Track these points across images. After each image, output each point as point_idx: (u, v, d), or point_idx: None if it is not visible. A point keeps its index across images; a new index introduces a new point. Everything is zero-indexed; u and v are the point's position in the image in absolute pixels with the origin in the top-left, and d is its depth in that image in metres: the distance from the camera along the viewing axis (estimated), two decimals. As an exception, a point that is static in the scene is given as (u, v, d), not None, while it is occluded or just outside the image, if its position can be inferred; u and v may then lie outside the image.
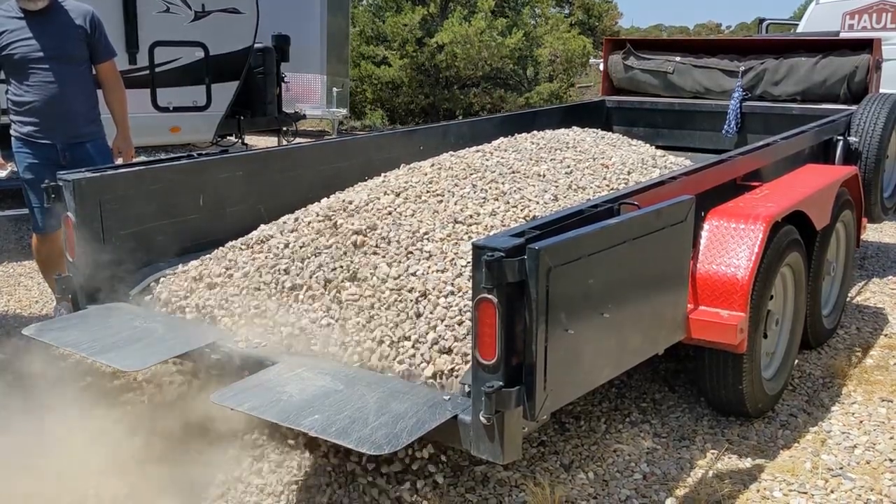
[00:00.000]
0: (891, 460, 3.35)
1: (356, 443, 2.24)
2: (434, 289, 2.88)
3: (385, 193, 3.56)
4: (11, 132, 4.32)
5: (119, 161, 4.43)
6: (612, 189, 3.92)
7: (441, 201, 3.53)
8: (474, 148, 4.42)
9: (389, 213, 3.37)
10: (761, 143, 4.21)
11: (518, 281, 2.24)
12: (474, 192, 3.62)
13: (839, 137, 5.05)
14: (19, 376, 3.42)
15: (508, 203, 3.55)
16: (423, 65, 15.33)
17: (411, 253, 3.11)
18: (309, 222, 3.41)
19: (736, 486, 3.15)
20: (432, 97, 15.58)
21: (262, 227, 3.55)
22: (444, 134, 5.11)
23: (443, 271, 2.97)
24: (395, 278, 2.98)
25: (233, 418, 2.90)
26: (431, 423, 2.34)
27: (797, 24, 10.66)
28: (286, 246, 3.31)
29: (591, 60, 18.52)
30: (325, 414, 2.38)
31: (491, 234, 3.18)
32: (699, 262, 3.27)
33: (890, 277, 5.92)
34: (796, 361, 4.05)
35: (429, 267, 3.00)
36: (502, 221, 3.39)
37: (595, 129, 5.25)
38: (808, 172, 4.36)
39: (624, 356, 2.74)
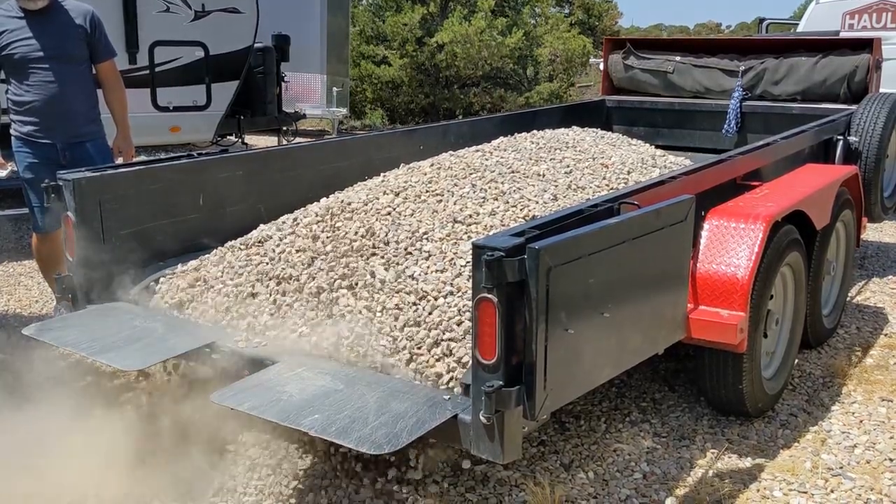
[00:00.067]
0: (891, 460, 3.35)
1: (356, 442, 2.24)
2: (433, 289, 2.88)
3: (384, 193, 3.56)
4: (11, 132, 4.32)
5: (119, 161, 4.43)
6: (611, 189, 3.92)
7: (440, 201, 3.52)
8: (474, 147, 4.42)
9: (388, 214, 3.37)
10: (761, 142, 4.21)
11: (518, 280, 2.24)
12: (474, 192, 3.62)
13: (839, 137, 5.05)
14: (19, 376, 3.42)
15: (508, 203, 3.55)
16: (423, 64, 15.33)
17: (410, 253, 3.11)
18: (308, 223, 3.41)
19: (736, 486, 3.15)
20: (432, 97, 15.58)
21: (262, 226, 3.55)
22: (444, 133, 5.11)
23: (442, 271, 2.97)
24: (393, 279, 2.98)
25: (233, 418, 2.90)
26: (431, 423, 2.34)
27: (797, 24, 10.66)
28: (285, 247, 3.31)
29: (591, 60, 18.52)
30: (325, 413, 2.38)
31: (490, 233, 3.18)
32: (699, 261, 3.27)
33: (890, 277, 5.92)
34: (796, 361, 4.05)
35: (428, 267, 3.00)
36: (502, 221, 3.39)
37: (595, 129, 5.25)
38: (808, 172, 4.36)
39: (624, 356, 2.74)
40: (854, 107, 5.38)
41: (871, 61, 5.72)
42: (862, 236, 4.92)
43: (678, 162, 4.74)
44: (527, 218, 3.43)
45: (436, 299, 2.84)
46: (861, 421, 3.68)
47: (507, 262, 2.21)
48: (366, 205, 3.46)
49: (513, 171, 3.95)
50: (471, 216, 3.39)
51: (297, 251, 3.25)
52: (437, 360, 2.65)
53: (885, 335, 4.74)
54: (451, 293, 2.86)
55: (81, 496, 2.80)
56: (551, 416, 3.08)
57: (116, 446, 2.97)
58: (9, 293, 5.59)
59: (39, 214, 4.31)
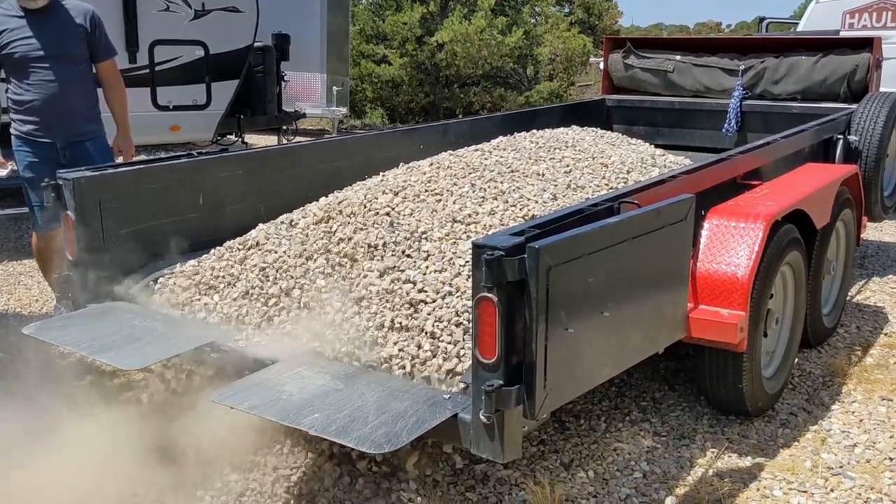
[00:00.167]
0: (891, 459, 3.35)
1: (356, 442, 2.24)
2: (432, 289, 2.88)
3: (383, 193, 3.56)
4: (11, 131, 4.32)
5: (119, 160, 4.43)
6: (611, 188, 3.92)
7: (440, 200, 3.52)
8: (473, 147, 4.42)
9: (388, 213, 3.36)
10: (761, 141, 4.21)
11: (518, 280, 2.24)
12: (473, 192, 3.62)
13: (839, 136, 5.04)
14: (19, 375, 3.42)
15: (507, 202, 3.55)
16: (423, 63, 15.33)
17: (409, 255, 3.10)
18: (306, 223, 3.41)
19: (736, 485, 3.15)
20: (432, 96, 15.58)
21: (261, 226, 3.55)
22: (444, 133, 5.11)
23: (441, 271, 2.97)
24: (392, 278, 2.98)
25: (233, 417, 2.90)
26: (431, 422, 2.34)
27: (797, 23, 10.67)
28: (284, 247, 3.31)
29: (592, 59, 18.51)
30: (325, 413, 2.38)
31: (490, 233, 3.18)
32: (699, 260, 3.27)
33: (890, 276, 5.92)
34: (796, 360, 4.05)
35: (427, 267, 3.00)
36: (501, 220, 3.39)
37: (594, 128, 5.25)
38: (809, 171, 4.36)
39: (624, 355, 2.74)
40: (854, 106, 5.38)
41: (871, 60, 5.72)
42: (862, 235, 4.91)
43: (678, 161, 4.74)
44: (526, 217, 3.43)
45: (434, 299, 2.84)
46: (861, 420, 3.68)
47: (507, 262, 2.21)
48: (365, 204, 3.46)
49: (512, 171, 3.95)
50: (470, 216, 3.39)
51: (296, 251, 3.25)
52: (437, 360, 2.65)
53: (885, 334, 4.74)
54: (450, 293, 2.86)
55: (81, 496, 2.79)
56: (551, 415, 3.09)
57: (116, 446, 2.96)
58: (9, 292, 5.59)
59: (39, 213, 4.31)
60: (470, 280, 2.77)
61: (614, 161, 4.31)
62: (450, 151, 4.31)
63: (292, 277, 3.13)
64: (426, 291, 2.87)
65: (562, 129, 4.97)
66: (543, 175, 3.96)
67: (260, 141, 10.27)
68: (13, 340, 3.90)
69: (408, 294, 2.88)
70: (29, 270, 5.99)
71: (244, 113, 8.71)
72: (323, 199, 3.63)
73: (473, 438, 2.34)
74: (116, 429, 3.07)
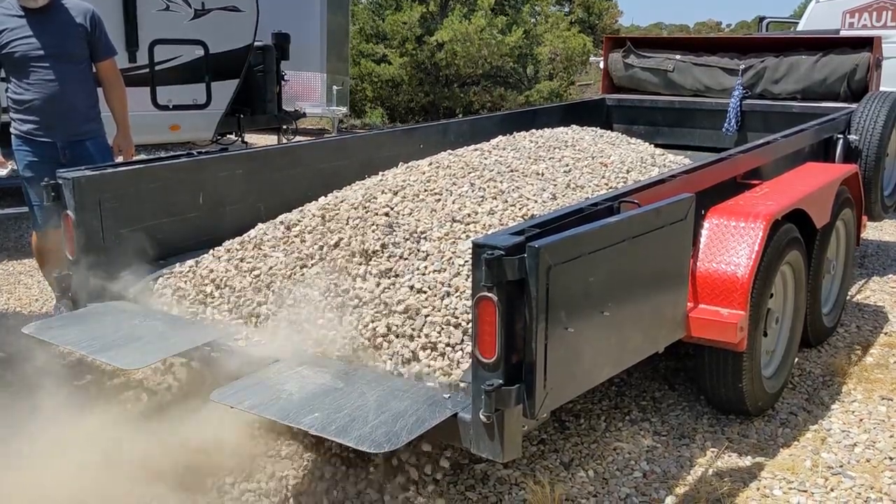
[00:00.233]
0: (891, 458, 3.35)
1: (356, 441, 2.24)
2: (431, 289, 2.88)
3: (382, 192, 3.56)
4: (11, 130, 4.32)
5: (119, 159, 4.43)
6: (610, 188, 3.91)
7: (439, 200, 3.52)
8: (472, 146, 4.42)
9: (387, 214, 3.36)
10: (761, 141, 4.20)
11: (518, 279, 2.24)
12: (472, 191, 3.61)
13: (839, 136, 5.04)
14: (19, 375, 3.42)
15: (507, 202, 3.55)
16: (423, 63, 15.33)
17: (408, 254, 3.10)
18: (306, 223, 3.40)
19: (736, 485, 3.15)
20: (432, 95, 15.58)
21: (260, 225, 3.55)
22: (444, 132, 5.11)
23: (440, 271, 2.97)
24: (391, 278, 2.98)
25: (233, 417, 2.90)
26: (431, 422, 2.34)
27: (797, 23, 10.67)
28: (283, 246, 3.31)
29: (592, 58, 18.52)
30: (325, 412, 2.38)
31: (489, 232, 3.18)
32: (699, 260, 3.27)
33: (890, 276, 5.92)
34: (796, 360, 4.05)
35: (426, 267, 3.00)
36: (500, 220, 3.38)
37: (594, 128, 5.25)
38: (809, 171, 4.36)
39: (624, 354, 2.74)
40: (854, 105, 5.38)
41: (871, 60, 5.72)
42: (862, 235, 4.91)
43: (677, 161, 4.74)
44: (525, 217, 3.43)
45: (434, 299, 2.84)
46: (861, 419, 3.68)
47: (507, 261, 2.21)
48: (364, 204, 3.45)
49: (511, 170, 3.95)
50: (469, 215, 3.39)
51: (295, 251, 3.25)
52: (437, 360, 2.65)
53: (885, 334, 4.74)
54: (449, 293, 2.86)
55: (81, 496, 2.79)
56: (551, 415, 3.08)
57: (116, 445, 2.96)
58: (9, 292, 5.59)
59: (39, 213, 4.31)
60: (469, 280, 2.78)
61: (614, 160, 4.31)
62: (449, 151, 4.31)
63: (291, 278, 3.12)
64: (425, 291, 2.87)
65: (561, 129, 4.97)
66: (543, 174, 3.96)
67: (260, 140, 10.27)
68: (13, 340, 3.89)
69: (407, 294, 2.88)
70: (29, 270, 5.99)
71: (244, 112, 8.72)
72: (322, 199, 3.63)
73: (473, 438, 2.34)
74: (116, 429, 3.07)
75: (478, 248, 2.25)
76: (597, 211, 2.70)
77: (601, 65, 7.23)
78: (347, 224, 3.30)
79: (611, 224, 2.58)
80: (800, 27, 10.05)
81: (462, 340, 2.67)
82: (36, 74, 4.17)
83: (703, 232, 3.33)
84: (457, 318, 2.75)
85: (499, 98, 15.70)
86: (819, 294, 4.28)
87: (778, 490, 3.13)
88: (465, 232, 3.25)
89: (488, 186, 3.69)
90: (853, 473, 3.24)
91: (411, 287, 2.90)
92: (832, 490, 3.13)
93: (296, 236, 3.34)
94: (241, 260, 3.32)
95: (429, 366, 2.64)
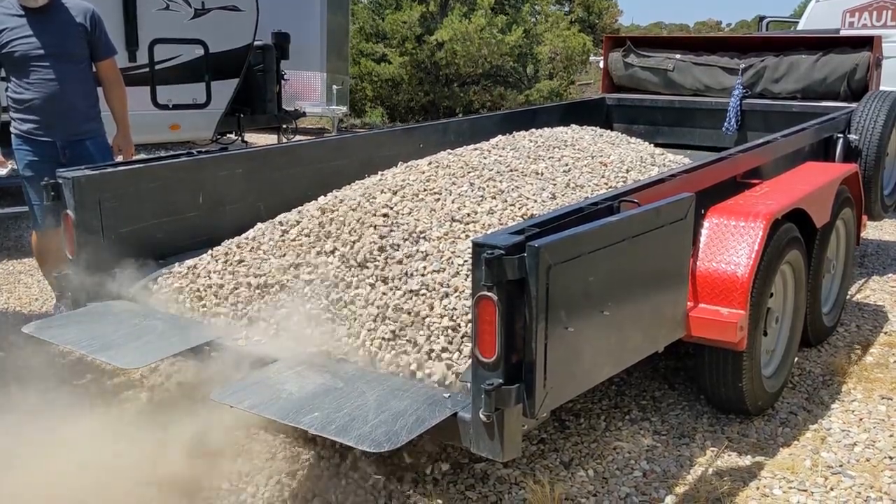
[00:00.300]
0: (890, 458, 3.35)
1: (356, 440, 2.24)
2: (430, 289, 2.88)
3: (381, 192, 3.55)
4: (11, 129, 4.32)
5: (119, 159, 4.43)
6: (610, 187, 3.91)
7: (438, 199, 3.52)
8: (472, 146, 4.42)
9: (385, 214, 3.36)
10: (761, 140, 4.20)
11: (518, 279, 2.24)
12: (472, 191, 3.61)
13: (839, 135, 5.04)
14: (19, 374, 3.42)
15: (506, 201, 3.55)
16: (423, 62, 15.33)
17: (407, 253, 3.10)
18: (305, 223, 3.40)
19: (736, 484, 3.15)
20: (432, 95, 15.58)
21: (259, 225, 3.54)
22: (444, 132, 5.11)
23: (440, 271, 2.97)
24: (391, 276, 2.98)
25: (232, 416, 2.90)
26: (431, 421, 2.34)
27: (797, 22, 10.67)
28: (282, 246, 3.31)
29: (592, 58, 18.52)
30: (325, 411, 2.38)
31: (488, 232, 3.18)
32: (699, 259, 3.27)
33: (890, 275, 5.92)
34: (796, 359, 4.05)
35: (425, 266, 2.99)
36: (500, 220, 3.38)
37: (594, 127, 5.25)
38: (808, 170, 4.36)
39: (624, 354, 2.74)
40: (854, 105, 5.38)
41: (871, 59, 5.72)
42: (862, 234, 4.91)
43: (676, 160, 4.74)
44: (525, 216, 3.43)
45: (433, 298, 2.84)
46: (861, 419, 3.68)
47: (507, 260, 2.21)
48: (363, 203, 3.45)
49: (511, 170, 3.95)
50: (469, 215, 3.39)
51: (294, 251, 3.25)
52: (437, 359, 2.64)
53: (885, 333, 4.74)
54: (447, 294, 2.86)
55: (81, 496, 2.79)
56: (551, 414, 3.08)
57: (116, 445, 2.96)
58: (9, 291, 5.59)
59: (39, 212, 4.31)
60: (468, 279, 2.78)
61: (613, 160, 4.31)
62: (448, 150, 4.31)
63: (291, 279, 3.12)
64: (425, 291, 2.87)
65: (561, 128, 4.97)
66: (542, 174, 3.96)
67: (260, 140, 10.27)
68: (13, 339, 3.89)
69: (406, 294, 2.88)
70: (29, 269, 5.99)
71: (244, 112, 8.72)
72: (322, 199, 3.63)
73: (473, 437, 2.34)
74: (115, 428, 3.07)
75: (478, 247, 2.25)
76: (597, 210, 2.70)
77: (601, 64, 7.23)
78: (346, 224, 3.30)
79: (611, 223, 2.58)
80: (800, 26, 10.06)
81: (462, 340, 2.67)
82: (36, 74, 4.17)
83: (703, 231, 3.33)
84: (456, 317, 2.75)
85: (499, 97, 15.70)
86: (819, 293, 4.28)
87: (778, 489, 3.13)
88: (464, 231, 3.25)
89: (488, 186, 3.68)
90: (853, 473, 3.24)
91: (410, 287, 2.90)
92: (832, 489, 3.13)
93: (294, 238, 3.34)
94: (240, 261, 3.31)
95: (429, 365, 2.64)
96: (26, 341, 3.28)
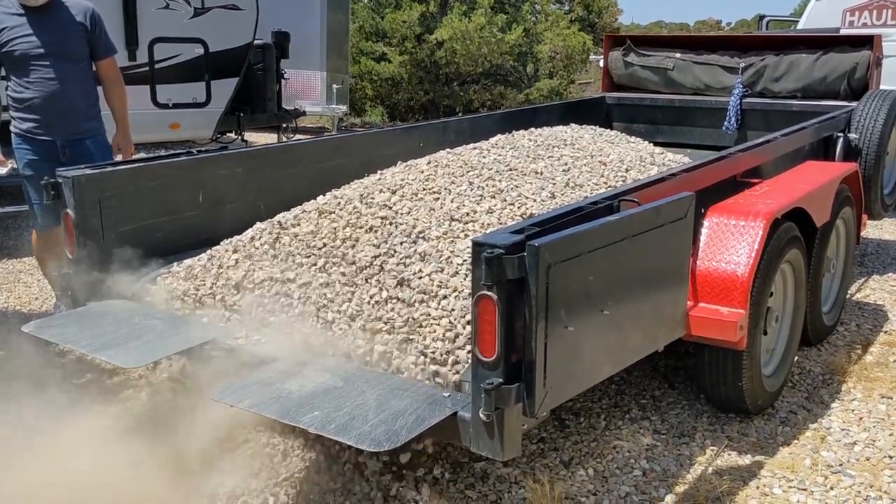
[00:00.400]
0: (890, 457, 3.35)
1: (356, 440, 2.24)
2: (430, 288, 2.87)
3: (381, 191, 3.55)
4: (11, 128, 4.32)
5: (119, 158, 4.43)
6: (609, 186, 3.91)
7: (437, 199, 3.52)
8: (471, 145, 4.41)
9: (384, 216, 3.35)
10: (761, 139, 4.20)
11: (518, 278, 2.24)
12: (471, 190, 3.61)
13: (839, 134, 5.04)
14: (19, 373, 3.42)
15: (505, 201, 3.55)
16: (423, 61, 15.33)
17: (406, 253, 3.10)
18: (303, 222, 3.40)
19: (735, 483, 3.15)
20: (432, 94, 15.58)
21: (258, 224, 3.54)
22: (444, 131, 5.10)
23: (439, 270, 2.97)
24: (391, 276, 2.98)
25: (232, 416, 2.90)
26: (431, 420, 2.34)
27: (797, 21, 10.67)
28: (281, 246, 3.30)
29: (591, 57, 18.52)
30: (325, 411, 2.38)
31: (488, 231, 3.18)
32: (699, 258, 3.27)
33: (890, 274, 5.92)
34: (796, 358, 4.05)
35: (424, 266, 2.99)
36: (499, 219, 3.38)
37: (593, 126, 5.25)
38: (809, 169, 4.36)
39: (624, 353, 2.74)
40: (854, 104, 5.38)
41: (871, 58, 5.72)
42: (862, 233, 4.91)
43: (676, 159, 4.74)
44: (524, 216, 3.42)
45: (433, 298, 2.84)
46: (861, 418, 3.68)
47: (506, 260, 2.21)
48: (361, 202, 3.45)
49: (510, 169, 3.95)
50: (468, 214, 3.38)
51: (294, 250, 3.24)
52: (437, 358, 2.64)
53: (885, 332, 4.74)
54: (447, 295, 2.85)
55: (80, 496, 2.79)
56: (551, 414, 3.09)
57: (116, 444, 2.96)
58: (9, 290, 5.59)
59: (39, 211, 4.31)
60: (467, 279, 2.78)
61: (613, 159, 4.31)
62: (448, 150, 4.31)
63: (290, 279, 3.12)
64: (424, 291, 2.87)
65: (560, 128, 4.97)
66: (542, 173, 3.95)
67: (260, 139, 10.27)
68: (13, 338, 3.89)
69: (405, 293, 2.88)
70: (29, 268, 5.99)
71: (244, 111, 8.71)
72: (321, 198, 3.62)
73: (473, 436, 2.34)
74: (115, 428, 3.07)
75: (478, 246, 2.25)
76: (596, 209, 2.70)
77: (601, 63, 7.23)
78: (345, 224, 3.29)
79: (610, 223, 2.58)
80: (800, 25, 10.05)
81: (461, 339, 2.67)
82: (36, 73, 4.17)
83: (703, 230, 3.33)
84: (455, 317, 2.75)
85: (498, 96, 15.70)
86: (819, 292, 4.28)
87: (778, 488, 3.13)
88: (463, 231, 3.25)
89: (487, 185, 3.68)
90: (853, 472, 3.24)
91: (410, 286, 2.90)
92: (832, 488, 3.13)
93: (293, 237, 3.34)
94: (238, 262, 3.31)
95: (429, 364, 2.64)
96: (26, 340, 3.28)
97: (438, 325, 2.73)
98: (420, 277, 2.93)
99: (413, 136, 4.84)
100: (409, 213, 3.38)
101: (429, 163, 3.98)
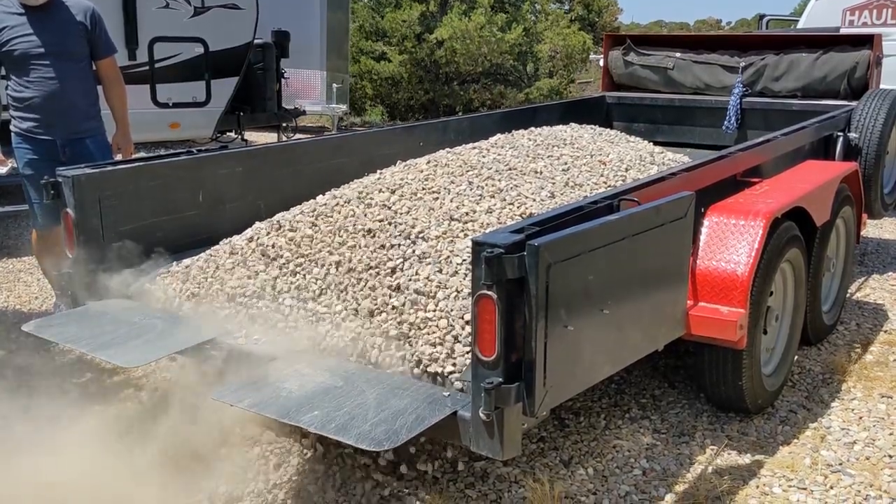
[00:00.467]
0: (890, 456, 3.35)
1: (355, 439, 2.24)
2: (429, 287, 2.87)
3: (380, 191, 3.55)
4: (11, 128, 4.32)
5: (119, 157, 4.43)
6: (609, 186, 3.91)
7: (437, 198, 3.51)
8: (471, 145, 4.41)
9: (384, 217, 3.35)
10: (761, 139, 4.20)
11: (518, 277, 2.24)
12: (470, 190, 3.61)
13: (839, 133, 5.04)
14: (19, 372, 3.42)
15: (505, 200, 3.54)
16: (423, 60, 15.32)
17: (405, 253, 3.10)
18: (302, 221, 3.40)
19: (735, 482, 3.15)
20: (432, 93, 15.57)
21: (258, 224, 3.54)
22: (444, 130, 5.10)
23: (438, 270, 2.96)
24: (389, 277, 2.97)
25: (232, 416, 2.90)
26: (431, 420, 2.34)
27: (797, 21, 10.67)
28: (280, 246, 3.30)
29: (591, 56, 18.52)
30: (325, 410, 2.38)
31: (487, 231, 3.18)
32: (699, 258, 3.27)
33: (890, 274, 5.92)
34: (796, 358, 4.05)
35: (423, 266, 2.99)
36: (498, 219, 3.38)
37: (593, 126, 5.24)
38: (809, 168, 4.35)
39: (624, 352, 2.74)
40: (854, 103, 5.38)
41: (871, 57, 5.72)
42: (862, 233, 4.91)
43: (676, 159, 4.73)
44: (524, 215, 3.42)
45: (432, 298, 2.84)
46: (861, 417, 3.69)
47: (506, 259, 2.21)
48: (361, 202, 3.45)
49: (510, 169, 3.95)
50: (467, 214, 3.38)
51: (293, 250, 3.24)
52: (436, 358, 2.64)
53: (885, 332, 4.74)
54: (446, 296, 2.85)
55: (80, 496, 2.79)
56: (551, 413, 3.09)
57: (115, 444, 2.97)
58: (8, 289, 5.59)
59: (39, 211, 4.31)
60: (466, 279, 2.78)
61: (612, 159, 4.31)
62: (447, 149, 4.30)
63: (290, 281, 3.12)
64: (423, 291, 2.87)
65: (560, 127, 4.97)
66: (541, 173, 3.95)
67: (260, 138, 10.27)
68: (13, 337, 3.90)
69: (404, 293, 2.88)
70: (29, 267, 5.99)
71: (244, 110, 8.71)
72: (320, 197, 3.62)
73: (473, 436, 2.34)
74: (115, 427, 3.07)
75: (477, 246, 2.25)
76: (596, 209, 2.70)
77: (601, 62, 7.23)
78: (344, 223, 3.29)
79: (610, 222, 2.58)
80: (800, 25, 10.06)
81: (461, 339, 2.67)
82: (36, 72, 4.17)
83: (703, 230, 3.33)
84: (455, 317, 2.75)
85: (498, 96, 15.69)
86: (819, 292, 4.28)
87: (777, 488, 3.13)
88: (462, 231, 3.25)
89: (486, 185, 3.68)
90: (853, 471, 3.24)
91: (409, 286, 2.90)
92: (832, 488, 3.14)
93: (292, 237, 3.34)
94: (236, 263, 3.31)
95: (428, 364, 2.64)
96: (26, 339, 3.28)
97: (438, 324, 2.73)
98: (419, 278, 2.93)
99: (413, 136, 4.84)
100: (408, 212, 3.37)
101: (428, 162, 3.97)
